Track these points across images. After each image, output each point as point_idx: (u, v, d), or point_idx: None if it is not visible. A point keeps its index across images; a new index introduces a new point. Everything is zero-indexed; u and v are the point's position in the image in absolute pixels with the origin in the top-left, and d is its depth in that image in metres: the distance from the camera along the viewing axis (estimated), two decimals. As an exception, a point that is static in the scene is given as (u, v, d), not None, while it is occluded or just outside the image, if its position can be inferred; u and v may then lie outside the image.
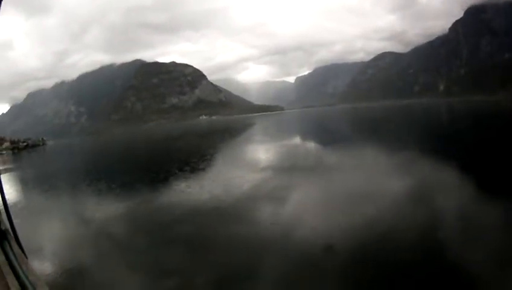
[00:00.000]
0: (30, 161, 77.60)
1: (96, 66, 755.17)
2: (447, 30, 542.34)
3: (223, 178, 23.34)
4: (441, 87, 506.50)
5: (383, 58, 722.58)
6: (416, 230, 11.07)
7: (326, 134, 55.80)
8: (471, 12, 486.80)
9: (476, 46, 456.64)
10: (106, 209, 18.33)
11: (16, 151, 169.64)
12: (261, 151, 38.13)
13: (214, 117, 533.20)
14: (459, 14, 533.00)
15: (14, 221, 4.18)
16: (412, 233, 10.87)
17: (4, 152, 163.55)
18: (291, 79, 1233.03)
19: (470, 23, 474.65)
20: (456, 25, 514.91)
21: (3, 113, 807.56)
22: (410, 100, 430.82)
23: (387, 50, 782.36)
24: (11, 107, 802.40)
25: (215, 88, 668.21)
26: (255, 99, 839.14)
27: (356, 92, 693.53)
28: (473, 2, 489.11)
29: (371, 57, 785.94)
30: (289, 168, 24.54)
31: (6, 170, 50.28)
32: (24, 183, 35.24)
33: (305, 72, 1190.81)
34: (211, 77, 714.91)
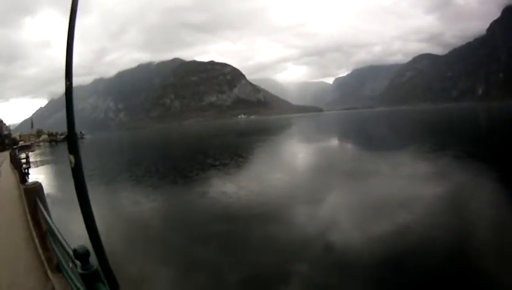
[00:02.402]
0: (67, 154, 68.02)
1: (135, 64, 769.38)
2: (484, 31, 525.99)
3: (260, 178, 22.71)
4: (480, 91, 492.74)
5: (421, 60, 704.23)
6: (461, 243, 10.31)
7: (373, 139, 51.02)
8: (508, 12, 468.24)
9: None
10: (142, 204, 18.14)
11: (53, 143, 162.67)
12: (300, 153, 36.69)
13: (252, 117, 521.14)
14: (496, 14, 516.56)
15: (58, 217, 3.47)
16: (455, 245, 10.15)
17: (41, 144, 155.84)
18: (330, 80, 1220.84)
19: (507, 23, 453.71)
20: (494, 25, 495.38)
21: (41, 107, 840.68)
22: (449, 104, 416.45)
23: (425, 52, 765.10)
24: (49, 102, 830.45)
25: (254, 88, 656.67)
26: (294, 99, 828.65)
27: (394, 95, 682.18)
28: (510, 2, 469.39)
29: (409, 58, 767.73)
30: (328, 171, 23.94)
31: (43, 162, 48.95)
32: (58, 175, 33.45)
33: (344, 73, 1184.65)
34: (249, 77, 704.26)
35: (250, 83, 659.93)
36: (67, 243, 2.75)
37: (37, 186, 5.16)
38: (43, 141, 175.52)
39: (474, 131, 52.74)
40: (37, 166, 42.18)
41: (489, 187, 16.40)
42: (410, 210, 13.31)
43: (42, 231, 4.87)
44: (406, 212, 13.08)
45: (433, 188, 16.59)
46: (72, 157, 2.20)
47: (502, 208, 13.30)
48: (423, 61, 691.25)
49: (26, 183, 5.17)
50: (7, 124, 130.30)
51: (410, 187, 17.44)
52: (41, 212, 4.64)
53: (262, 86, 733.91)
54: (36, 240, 5.40)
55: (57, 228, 3.26)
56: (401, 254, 9.57)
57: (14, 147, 44.87)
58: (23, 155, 34.04)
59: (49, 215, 4.38)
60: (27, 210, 6.57)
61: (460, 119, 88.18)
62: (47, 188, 23.20)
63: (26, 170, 13.47)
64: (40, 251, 5.06)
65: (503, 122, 69.13)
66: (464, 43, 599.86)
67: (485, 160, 23.69)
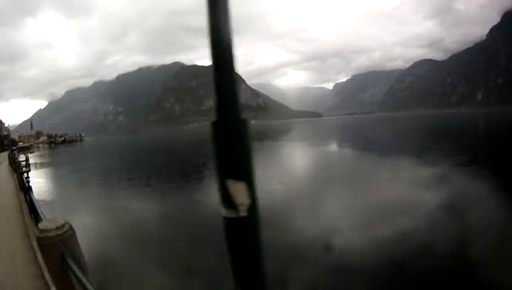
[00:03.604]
0: (67, 156, 75.80)
1: (135, 67, 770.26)
2: (484, 36, 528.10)
3: (264, 182, 21.48)
4: (479, 97, 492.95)
5: (421, 66, 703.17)
6: (466, 249, 10.15)
7: (373, 144, 49.44)
8: (508, 17, 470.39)
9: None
10: (140, 207, 18.47)
11: (52, 145, 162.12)
12: (303, 158, 37.30)
13: (252, 122, 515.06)
14: (496, 19, 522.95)
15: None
16: (460, 251, 10.02)
17: (41, 145, 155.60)
18: (330, 85, 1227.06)
19: (507, 28, 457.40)
20: (493, 30, 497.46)
21: (41, 109, 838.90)
22: (450, 110, 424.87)
23: (425, 57, 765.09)
24: (49, 103, 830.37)
25: (254, 92, 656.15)
26: (293, 104, 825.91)
27: (394, 101, 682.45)
28: (510, 7, 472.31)
29: (409, 64, 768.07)
30: (328, 176, 23.79)
31: (43, 165, 48.78)
32: (58, 179, 33.55)
33: (343, 78, 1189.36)
34: (249, 82, 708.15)
35: (250, 88, 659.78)
36: None
37: (66, 234, 2.45)
38: (42, 142, 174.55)
39: (474, 136, 53.44)
40: (37, 169, 41.10)
41: (494, 193, 16.38)
42: (414, 215, 13.37)
43: None
44: (409, 217, 13.12)
45: (437, 194, 16.60)
46: (242, 191, 0.89)
47: (505, 213, 13.26)
48: (423, 66, 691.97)
49: (41, 224, 2.59)
50: (6, 125, 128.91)
51: (415, 192, 17.44)
52: (78, 279, 2.18)
53: (262, 90, 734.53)
54: None
55: None
56: (406, 259, 9.44)
57: (13, 148, 43.40)
58: (22, 157, 32.46)
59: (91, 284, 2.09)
60: (41, 261, 4.46)
61: (458, 125, 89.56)
62: (49, 195, 22.28)
63: (26, 174, 12.09)
64: None
65: (503, 128, 70.13)
66: (463, 48, 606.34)
67: (487, 165, 23.57)
